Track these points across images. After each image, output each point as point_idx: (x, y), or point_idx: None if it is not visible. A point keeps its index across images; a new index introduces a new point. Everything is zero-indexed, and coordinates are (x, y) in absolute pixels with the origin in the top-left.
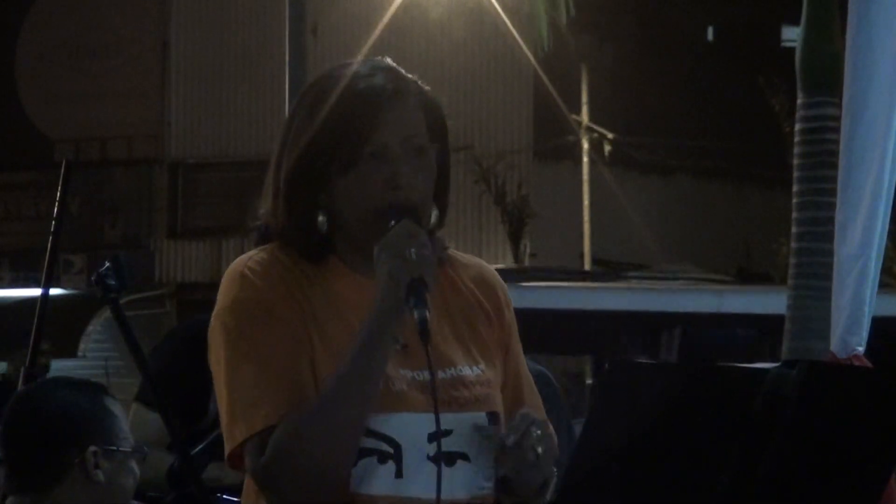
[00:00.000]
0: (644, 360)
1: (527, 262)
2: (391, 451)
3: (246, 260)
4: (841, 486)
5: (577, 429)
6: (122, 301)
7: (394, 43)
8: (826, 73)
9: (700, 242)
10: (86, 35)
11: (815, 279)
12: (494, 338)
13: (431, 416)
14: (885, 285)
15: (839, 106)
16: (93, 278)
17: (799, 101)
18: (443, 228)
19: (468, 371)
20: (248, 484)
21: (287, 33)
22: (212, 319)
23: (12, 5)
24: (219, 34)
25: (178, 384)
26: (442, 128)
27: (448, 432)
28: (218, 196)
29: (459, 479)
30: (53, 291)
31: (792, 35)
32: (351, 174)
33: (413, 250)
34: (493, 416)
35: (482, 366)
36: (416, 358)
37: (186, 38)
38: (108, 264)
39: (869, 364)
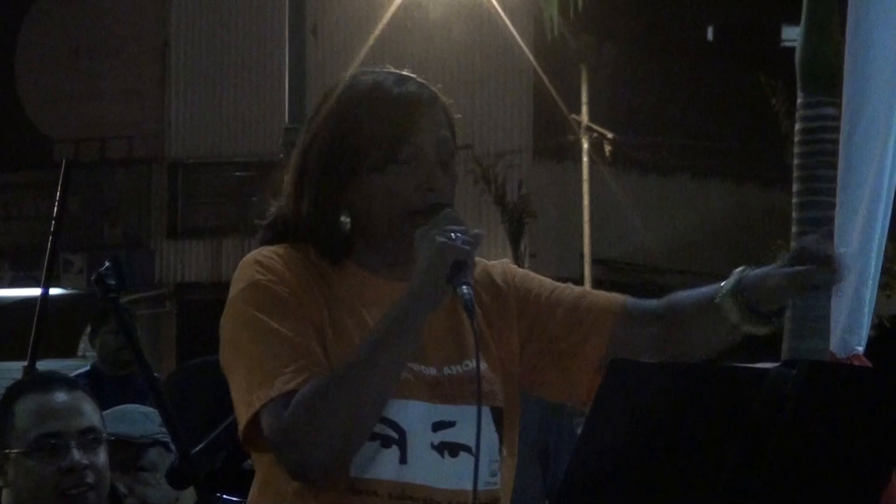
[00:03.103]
0: (644, 360)
1: (526, 263)
2: (396, 436)
3: (259, 250)
4: (841, 486)
5: None
6: (121, 301)
7: (394, 43)
8: (826, 72)
9: (699, 242)
10: (86, 35)
11: None
12: (504, 321)
13: (436, 406)
14: (884, 285)
15: (839, 106)
16: (93, 278)
17: (799, 101)
18: None
19: (470, 370)
20: (258, 474)
21: (287, 33)
22: (225, 307)
23: (12, 5)
24: (219, 34)
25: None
26: (455, 135)
27: (451, 423)
28: (218, 196)
29: (466, 472)
30: (53, 291)
31: (792, 35)
32: (383, 175)
33: (459, 235)
34: (496, 412)
35: (485, 365)
36: (423, 354)
37: (186, 38)
38: (108, 264)
39: (869, 364)
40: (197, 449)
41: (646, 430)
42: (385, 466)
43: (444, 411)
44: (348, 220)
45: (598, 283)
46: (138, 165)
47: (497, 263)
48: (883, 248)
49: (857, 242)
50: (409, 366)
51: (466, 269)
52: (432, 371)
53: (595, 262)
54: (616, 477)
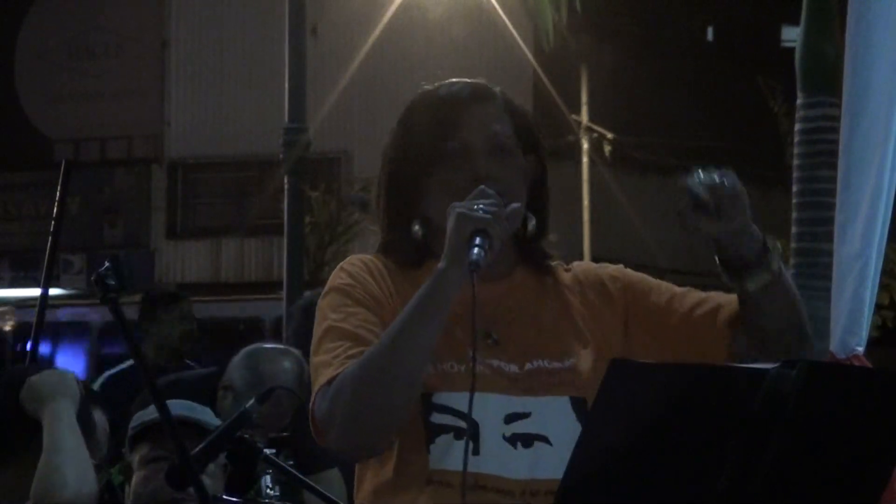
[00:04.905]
0: (644, 360)
1: None
2: (469, 428)
3: (349, 258)
4: (841, 486)
5: None
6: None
7: (394, 43)
8: (826, 73)
9: (699, 242)
10: (86, 35)
11: (815, 279)
12: (608, 320)
13: (510, 399)
14: (884, 286)
15: (839, 106)
16: (93, 278)
17: (799, 102)
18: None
19: (557, 364)
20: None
21: (287, 33)
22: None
23: (12, 5)
24: (219, 34)
25: None
26: (532, 137)
27: (526, 415)
28: (217, 196)
29: (541, 461)
30: (53, 291)
31: (792, 35)
32: (436, 175)
33: (480, 206)
34: (576, 402)
35: (573, 359)
36: (505, 351)
37: (186, 38)
38: (107, 264)
39: (869, 364)
40: (196, 450)
41: (646, 430)
42: (458, 458)
43: (519, 403)
44: (420, 228)
45: None
46: (138, 165)
47: (612, 267)
48: (883, 249)
49: (857, 243)
50: (488, 362)
51: (484, 236)
52: (513, 368)
53: (595, 262)
54: (616, 477)
